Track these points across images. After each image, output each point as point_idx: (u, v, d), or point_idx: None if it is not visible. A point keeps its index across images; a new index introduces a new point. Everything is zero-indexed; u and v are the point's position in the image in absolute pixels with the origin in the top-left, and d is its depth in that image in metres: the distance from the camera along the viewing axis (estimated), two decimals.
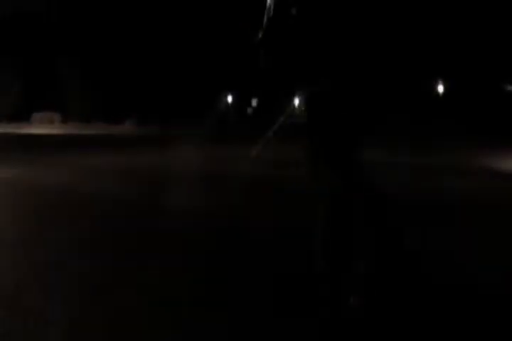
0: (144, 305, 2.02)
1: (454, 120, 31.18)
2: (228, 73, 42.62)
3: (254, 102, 53.58)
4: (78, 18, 39.42)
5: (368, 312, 1.92)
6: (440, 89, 42.31)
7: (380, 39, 2.32)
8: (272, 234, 3.20)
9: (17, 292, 2.13)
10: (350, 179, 2.18)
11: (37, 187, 5.17)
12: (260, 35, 2.38)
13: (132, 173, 6.70)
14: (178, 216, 3.80)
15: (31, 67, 41.04)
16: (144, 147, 12.80)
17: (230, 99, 52.37)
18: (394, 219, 2.19)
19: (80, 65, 41.20)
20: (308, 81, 2.31)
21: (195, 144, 12.46)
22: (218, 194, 4.95)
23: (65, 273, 2.39)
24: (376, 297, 2.01)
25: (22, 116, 38.71)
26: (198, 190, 5.31)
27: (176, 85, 42.83)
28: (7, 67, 39.56)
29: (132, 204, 4.31)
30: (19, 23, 38.47)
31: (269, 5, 2.45)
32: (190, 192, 5.09)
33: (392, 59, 2.34)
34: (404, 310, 1.95)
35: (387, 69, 2.34)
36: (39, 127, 28.66)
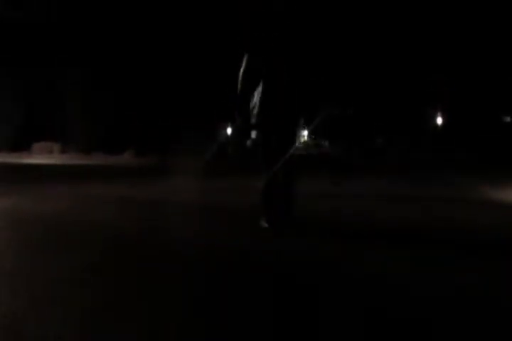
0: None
1: (453, 151, 31.34)
2: (228, 106, 43.01)
3: (253, 134, 53.82)
4: (78, 44, 40.05)
5: None
6: (439, 120, 42.64)
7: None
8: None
9: (17, 321, 2.08)
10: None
11: (35, 215, 5.14)
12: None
13: (132, 203, 6.67)
14: (178, 240, 3.78)
15: (32, 97, 41.47)
16: (142, 178, 12.79)
17: (229, 131, 52.65)
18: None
19: (80, 95, 41.69)
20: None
21: (194, 175, 12.45)
22: (219, 222, 4.94)
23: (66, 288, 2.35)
24: None
25: (23, 145, 38.87)
26: (197, 218, 5.29)
27: (175, 116, 43.22)
28: (7, 96, 39.96)
29: (132, 231, 4.28)
30: (17, 44, 38.80)
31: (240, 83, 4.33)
32: (190, 220, 5.08)
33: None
34: None
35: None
36: (38, 157, 28.76)
